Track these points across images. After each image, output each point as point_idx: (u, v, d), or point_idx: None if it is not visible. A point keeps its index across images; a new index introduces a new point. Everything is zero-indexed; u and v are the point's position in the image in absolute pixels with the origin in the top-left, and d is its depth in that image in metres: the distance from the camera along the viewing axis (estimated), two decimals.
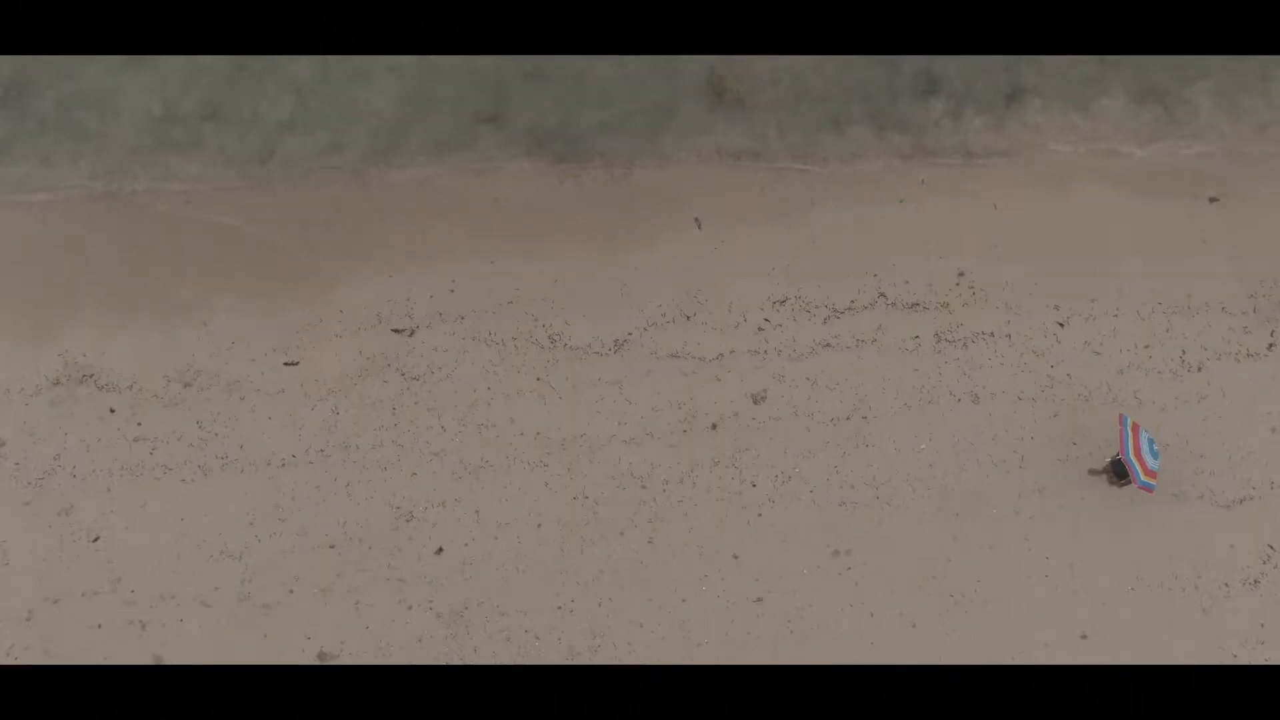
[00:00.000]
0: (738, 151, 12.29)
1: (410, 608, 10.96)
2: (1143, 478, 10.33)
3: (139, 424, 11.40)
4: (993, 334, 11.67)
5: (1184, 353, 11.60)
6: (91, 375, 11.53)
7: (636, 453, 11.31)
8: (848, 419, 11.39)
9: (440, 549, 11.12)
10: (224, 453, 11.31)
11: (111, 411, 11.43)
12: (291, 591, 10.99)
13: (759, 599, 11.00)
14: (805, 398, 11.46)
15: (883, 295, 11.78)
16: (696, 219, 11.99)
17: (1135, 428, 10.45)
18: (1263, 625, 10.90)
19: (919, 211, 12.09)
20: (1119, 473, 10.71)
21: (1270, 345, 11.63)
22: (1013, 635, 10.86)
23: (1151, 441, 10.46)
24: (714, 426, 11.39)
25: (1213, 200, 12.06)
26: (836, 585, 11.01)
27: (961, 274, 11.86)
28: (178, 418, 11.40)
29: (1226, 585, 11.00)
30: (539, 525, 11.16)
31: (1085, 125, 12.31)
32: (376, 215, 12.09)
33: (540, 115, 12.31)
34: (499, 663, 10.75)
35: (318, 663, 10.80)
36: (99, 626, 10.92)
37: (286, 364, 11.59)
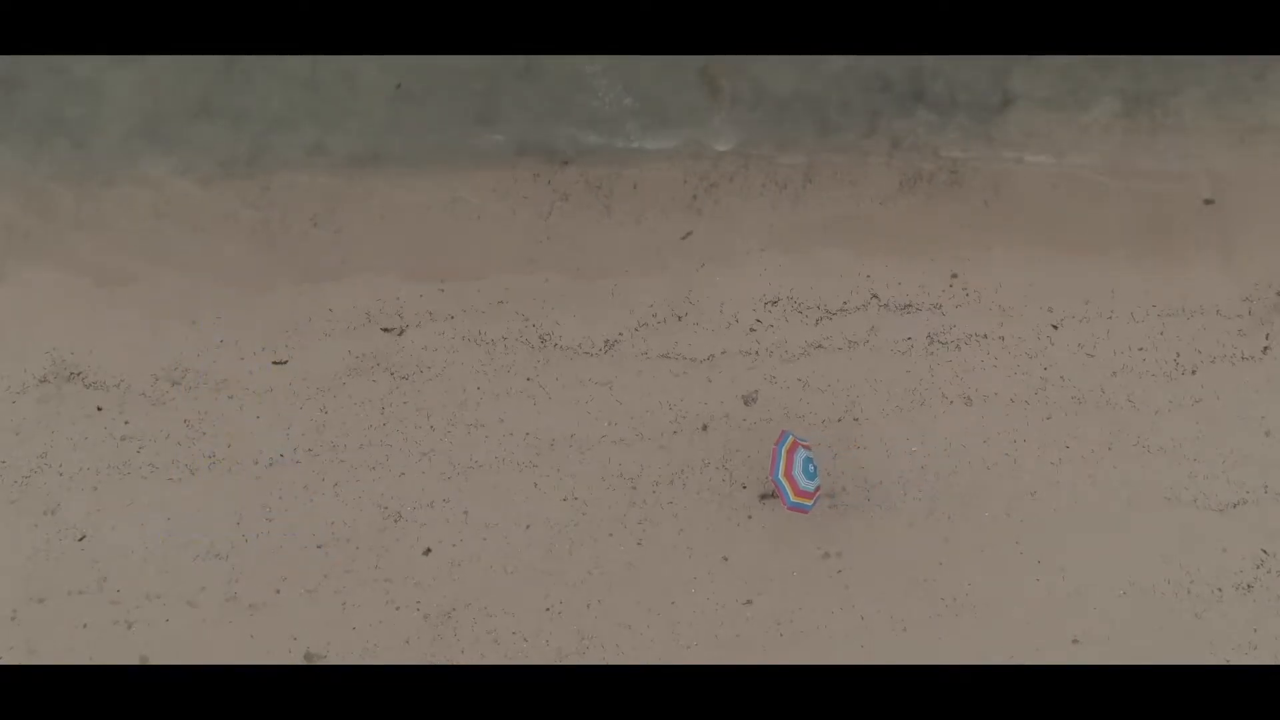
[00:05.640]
0: (730, 151, 12.21)
1: (398, 608, 10.93)
2: (792, 499, 10.16)
3: (126, 422, 11.36)
4: (985, 336, 11.62)
5: (1178, 355, 11.55)
6: (79, 373, 11.48)
7: (626, 454, 11.26)
8: (839, 421, 11.34)
9: (428, 549, 11.08)
10: (211, 452, 11.26)
11: (99, 410, 11.39)
12: (278, 592, 10.96)
13: (749, 601, 10.96)
14: (797, 399, 11.41)
15: (875, 296, 11.72)
16: (690, 232, 11.91)
17: (792, 448, 10.30)
18: (1255, 630, 10.86)
19: (912, 212, 12.02)
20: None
21: (1265, 348, 11.58)
22: (1004, 639, 10.83)
23: (808, 460, 10.36)
24: (705, 428, 11.34)
25: (1208, 202, 11.99)
26: (827, 588, 10.97)
27: (955, 275, 11.81)
28: (165, 416, 11.36)
29: (1219, 590, 10.96)
30: (528, 526, 11.12)
31: (1078, 127, 12.22)
32: (366, 213, 12.02)
33: (532, 113, 12.24)
34: (486, 664, 10.71)
35: (304, 663, 10.77)
36: (85, 626, 10.89)
37: (275, 363, 11.54)
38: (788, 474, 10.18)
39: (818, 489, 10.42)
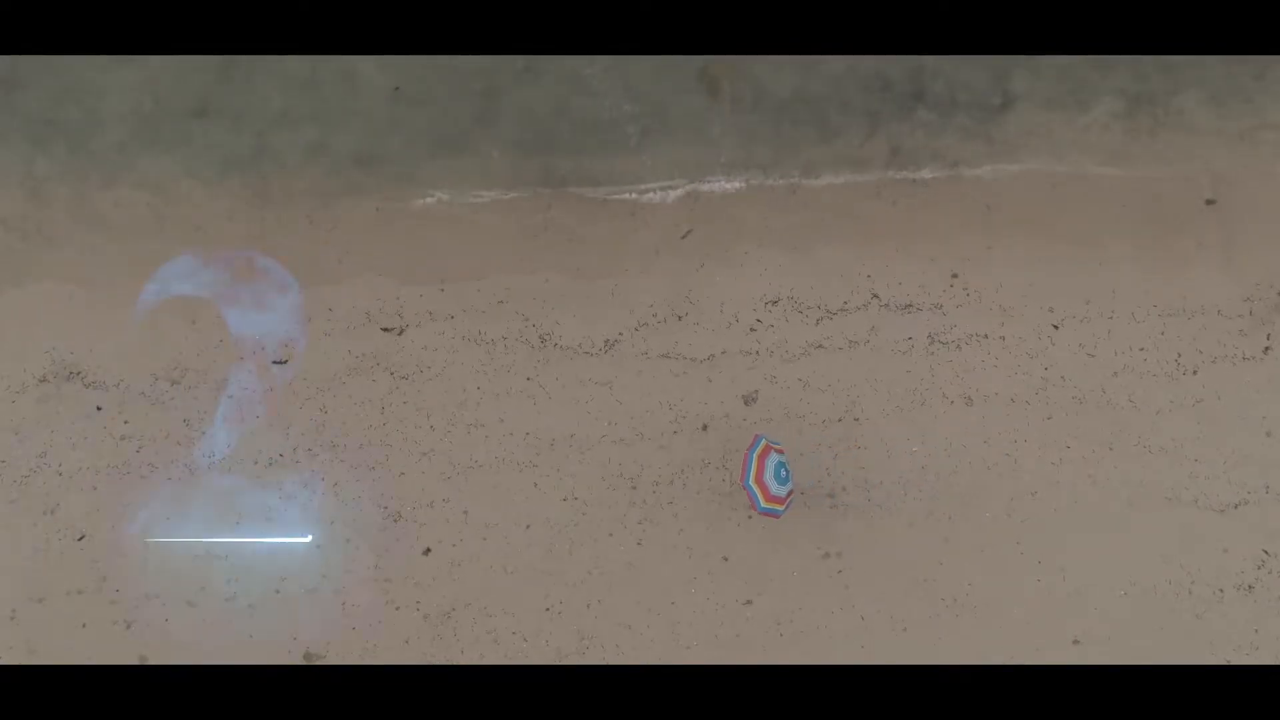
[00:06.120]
0: (730, 151, 12.20)
1: (397, 608, 10.92)
2: (763, 504, 10.12)
3: (125, 422, 11.36)
4: (986, 336, 11.60)
5: (1179, 356, 11.53)
6: (79, 373, 11.48)
7: (626, 453, 11.25)
8: (839, 421, 11.33)
9: (428, 549, 11.07)
10: (211, 451, 11.25)
11: (98, 409, 11.38)
12: (277, 592, 10.94)
13: (748, 601, 10.94)
14: (797, 399, 11.40)
15: (876, 296, 11.71)
16: (689, 230, 11.90)
17: (764, 453, 10.24)
18: (1256, 631, 10.84)
19: (913, 212, 12.01)
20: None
21: (1266, 349, 11.56)
22: (1004, 639, 10.81)
23: (780, 465, 10.29)
24: (705, 428, 11.33)
25: (1209, 202, 11.98)
26: (827, 588, 10.96)
27: (955, 275, 11.79)
28: (165, 416, 11.35)
29: (1220, 590, 10.94)
30: (528, 526, 11.11)
31: (1079, 128, 12.21)
32: (366, 213, 12.02)
33: (532, 113, 12.24)
34: (486, 664, 10.70)
35: (303, 663, 10.76)
36: (84, 626, 10.88)
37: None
38: (758, 479, 10.14)
39: (790, 493, 10.36)
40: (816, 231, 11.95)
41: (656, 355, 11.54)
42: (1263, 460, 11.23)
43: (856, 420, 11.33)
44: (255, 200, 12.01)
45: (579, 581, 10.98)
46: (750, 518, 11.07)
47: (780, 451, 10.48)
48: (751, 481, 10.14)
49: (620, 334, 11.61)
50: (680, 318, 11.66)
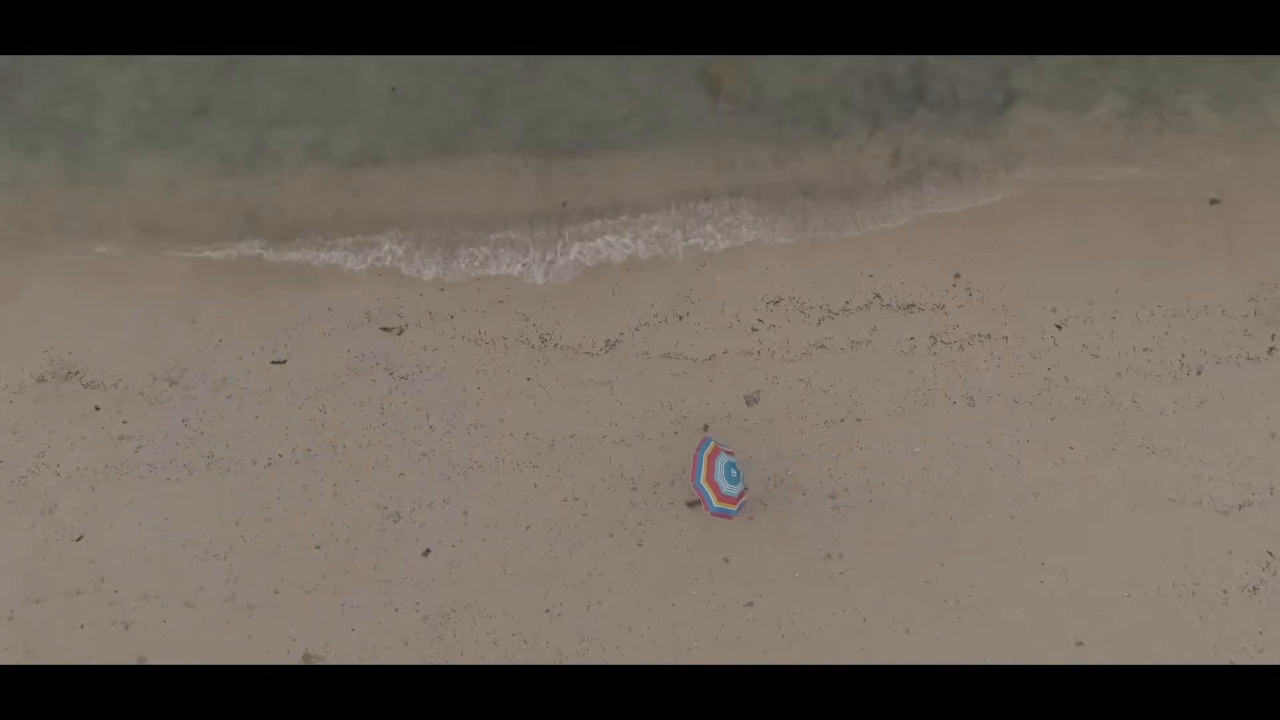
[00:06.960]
0: (731, 150, 12.17)
1: (396, 609, 10.89)
2: (715, 504, 10.06)
3: (124, 422, 11.34)
4: (989, 336, 11.56)
5: (1183, 356, 11.48)
6: (77, 372, 11.46)
7: (627, 454, 11.22)
8: (841, 421, 11.29)
9: (428, 550, 11.04)
10: (210, 452, 11.23)
11: (96, 409, 11.36)
12: (277, 592, 10.92)
13: (749, 603, 10.90)
14: (798, 399, 11.36)
15: (878, 296, 11.67)
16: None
17: (714, 453, 10.20)
18: (1261, 633, 10.78)
19: (915, 212, 11.98)
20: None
21: (1270, 349, 11.51)
22: (1007, 641, 10.76)
23: (731, 465, 10.25)
24: (706, 428, 11.30)
25: (1213, 202, 11.94)
26: (828, 589, 10.91)
27: (958, 275, 11.75)
28: (163, 416, 11.33)
29: (1225, 592, 10.89)
30: (528, 527, 11.07)
31: (1082, 127, 12.18)
32: (365, 212, 12.00)
33: (531, 114, 12.22)
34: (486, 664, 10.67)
35: (303, 664, 10.73)
36: (82, 627, 10.86)
37: (274, 362, 11.51)
38: (709, 479, 10.10)
39: (743, 493, 10.31)
40: (818, 231, 11.92)
41: (657, 355, 11.50)
42: (1267, 461, 11.18)
43: (859, 420, 11.29)
44: (255, 199, 11.99)
45: (579, 582, 10.95)
46: (752, 519, 11.02)
47: (730, 453, 10.45)
48: (702, 481, 10.11)
49: (620, 334, 11.58)
50: (681, 318, 11.63)
